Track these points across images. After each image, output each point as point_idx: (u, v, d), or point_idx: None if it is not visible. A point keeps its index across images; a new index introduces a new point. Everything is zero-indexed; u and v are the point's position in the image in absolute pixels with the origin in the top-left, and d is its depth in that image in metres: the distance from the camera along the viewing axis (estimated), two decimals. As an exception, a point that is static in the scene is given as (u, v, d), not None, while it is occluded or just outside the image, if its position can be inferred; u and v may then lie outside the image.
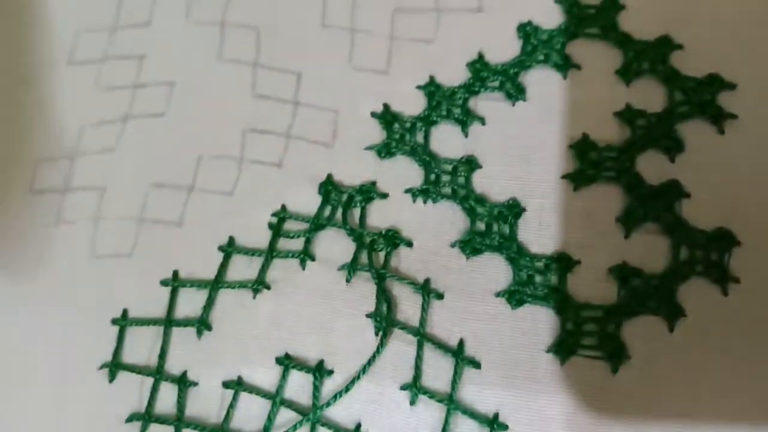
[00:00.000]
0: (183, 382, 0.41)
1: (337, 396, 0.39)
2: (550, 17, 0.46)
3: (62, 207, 0.45)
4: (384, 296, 0.41)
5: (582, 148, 0.43)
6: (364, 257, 0.42)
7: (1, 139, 0.46)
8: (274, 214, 0.43)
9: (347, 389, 0.39)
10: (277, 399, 0.40)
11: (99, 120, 0.46)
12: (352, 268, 0.42)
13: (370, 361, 0.39)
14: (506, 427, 0.39)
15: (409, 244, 0.42)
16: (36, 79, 0.47)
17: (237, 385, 0.40)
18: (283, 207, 0.44)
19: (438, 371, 0.40)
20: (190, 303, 0.42)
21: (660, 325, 0.40)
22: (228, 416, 0.40)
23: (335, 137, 0.45)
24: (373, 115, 0.45)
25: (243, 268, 0.43)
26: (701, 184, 0.42)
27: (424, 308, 0.41)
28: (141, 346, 0.42)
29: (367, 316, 0.41)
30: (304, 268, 0.42)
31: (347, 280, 0.42)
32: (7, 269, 0.44)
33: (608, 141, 0.43)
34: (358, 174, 0.44)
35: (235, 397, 0.40)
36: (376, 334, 0.40)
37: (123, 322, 0.42)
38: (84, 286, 0.43)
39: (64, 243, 0.44)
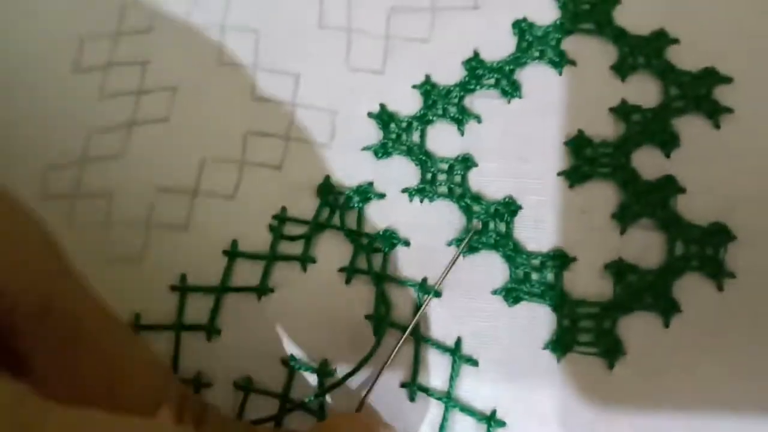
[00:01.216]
0: (196, 385, 0.41)
1: (331, 387, 0.40)
2: (545, 13, 0.46)
3: (72, 213, 0.46)
4: (382, 297, 0.42)
5: (577, 145, 0.43)
6: (363, 258, 0.43)
7: (10, 146, 0.47)
8: (274, 217, 0.44)
9: (342, 382, 0.40)
10: (284, 398, 0.41)
11: (105, 126, 0.47)
12: (350, 269, 0.43)
13: (366, 359, 0.40)
14: (504, 423, 0.40)
15: (407, 243, 0.43)
16: (42, 87, 0.48)
17: (246, 386, 0.41)
18: (284, 209, 0.44)
19: (436, 369, 0.41)
20: (200, 305, 0.43)
21: (655, 321, 0.40)
22: (240, 417, 0.41)
23: (333, 138, 0.46)
24: (370, 115, 0.46)
25: (248, 271, 0.43)
26: (697, 179, 0.42)
27: (421, 307, 0.41)
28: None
29: (366, 317, 0.42)
30: (305, 271, 0.43)
31: (347, 282, 0.43)
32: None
33: (604, 137, 0.43)
34: (355, 175, 0.44)
35: (245, 398, 0.41)
36: (375, 335, 0.41)
37: (136, 326, 0.43)
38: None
39: (75, 249, 0.45)
